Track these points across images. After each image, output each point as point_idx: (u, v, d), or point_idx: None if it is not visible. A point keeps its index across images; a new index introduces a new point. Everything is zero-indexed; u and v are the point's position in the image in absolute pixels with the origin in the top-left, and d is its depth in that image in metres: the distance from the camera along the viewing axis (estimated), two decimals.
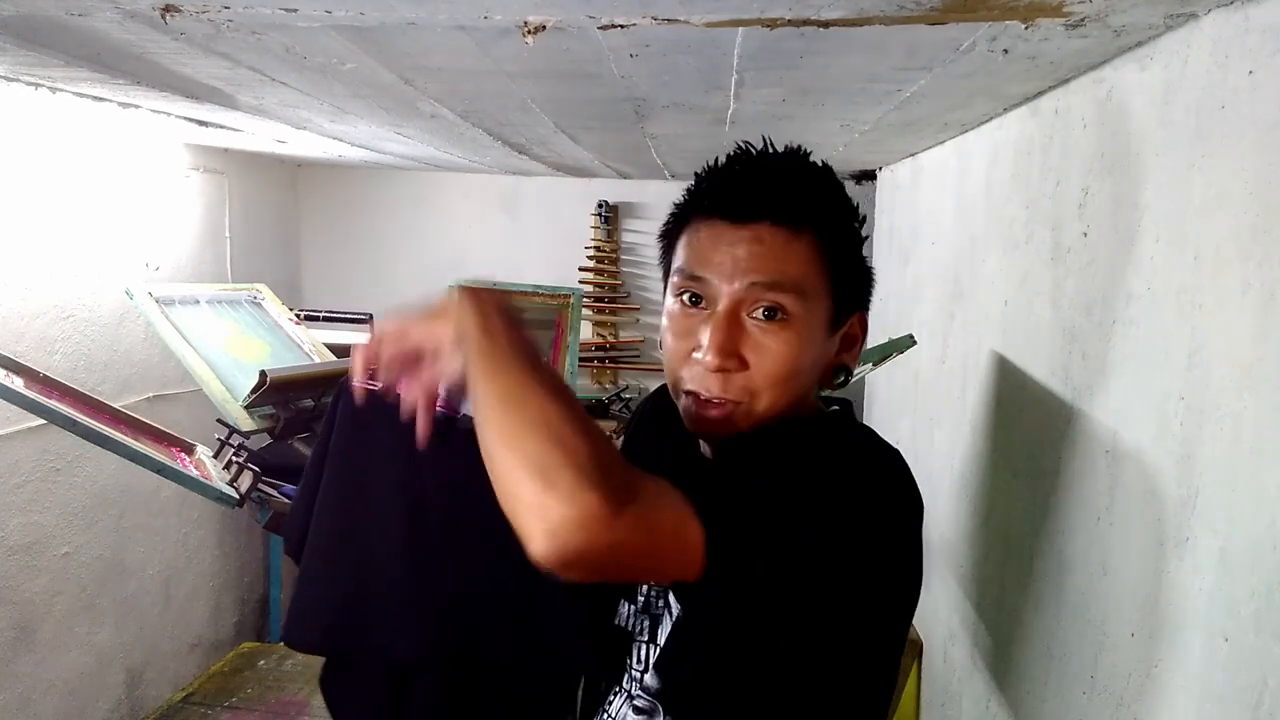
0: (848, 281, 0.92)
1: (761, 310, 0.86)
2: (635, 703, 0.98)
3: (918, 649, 2.30)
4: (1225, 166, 0.96)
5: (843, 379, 0.95)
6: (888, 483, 0.85)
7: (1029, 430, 1.58)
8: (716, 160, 0.92)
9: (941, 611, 2.13)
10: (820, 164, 0.93)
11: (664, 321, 0.94)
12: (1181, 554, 1.02)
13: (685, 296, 0.90)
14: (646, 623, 0.99)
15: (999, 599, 1.71)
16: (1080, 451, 1.33)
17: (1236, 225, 0.94)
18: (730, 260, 0.86)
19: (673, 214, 0.95)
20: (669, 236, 0.96)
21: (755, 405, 0.88)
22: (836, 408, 0.99)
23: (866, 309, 0.97)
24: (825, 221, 0.89)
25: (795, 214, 0.86)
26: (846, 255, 0.92)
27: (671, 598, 0.97)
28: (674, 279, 0.92)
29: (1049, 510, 1.46)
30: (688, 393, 0.90)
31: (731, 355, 0.86)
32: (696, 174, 0.93)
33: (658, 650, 0.97)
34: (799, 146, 0.93)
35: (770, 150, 0.91)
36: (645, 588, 1.01)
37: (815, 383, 0.94)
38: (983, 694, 1.77)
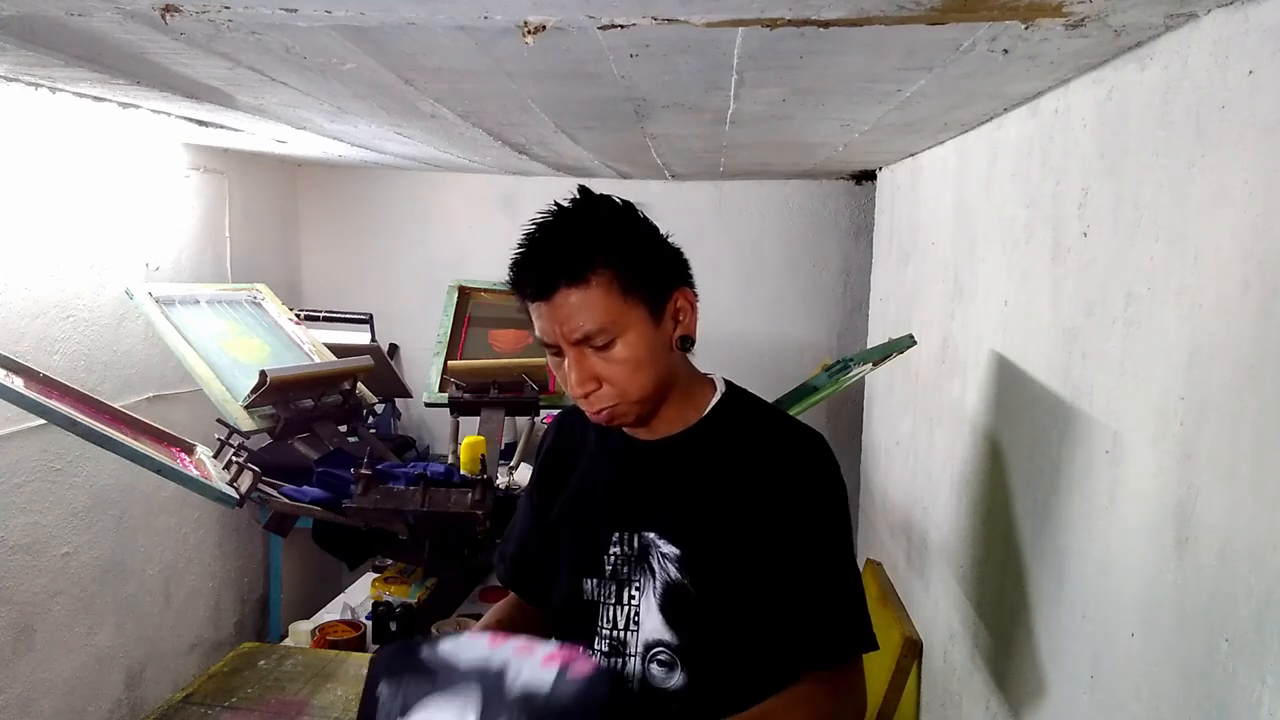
0: (651, 280, 1.10)
1: (592, 345, 1.08)
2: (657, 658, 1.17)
3: (918, 649, 2.29)
4: (1225, 166, 0.96)
5: (689, 344, 1.16)
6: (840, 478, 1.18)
7: (1029, 430, 1.58)
8: (522, 239, 1.10)
9: (941, 611, 2.13)
10: (594, 198, 1.11)
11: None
12: (1181, 554, 1.02)
13: (546, 351, 1.13)
14: (613, 587, 1.19)
15: (999, 599, 1.71)
16: (1080, 451, 1.33)
17: (1236, 225, 0.94)
18: (554, 328, 1.08)
19: (509, 283, 1.13)
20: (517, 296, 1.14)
21: (628, 398, 1.11)
22: (711, 373, 1.23)
23: (685, 282, 1.15)
24: (609, 256, 1.06)
25: (579, 271, 1.05)
26: (640, 263, 1.09)
27: (645, 567, 1.17)
28: (536, 335, 1.14)
29: (1049, 510, 1.46)
30: (584, 408, 1.14)
31: (588, 381, 1.09)
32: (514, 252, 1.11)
33: (624, 610, 1.18)
34: (577, 192, 1.11)
35: (550, 218, 1.09)
36: (612, 557, 1.19)
37: (669, 358, 1.14)
38: (983, 694, 1.77)
